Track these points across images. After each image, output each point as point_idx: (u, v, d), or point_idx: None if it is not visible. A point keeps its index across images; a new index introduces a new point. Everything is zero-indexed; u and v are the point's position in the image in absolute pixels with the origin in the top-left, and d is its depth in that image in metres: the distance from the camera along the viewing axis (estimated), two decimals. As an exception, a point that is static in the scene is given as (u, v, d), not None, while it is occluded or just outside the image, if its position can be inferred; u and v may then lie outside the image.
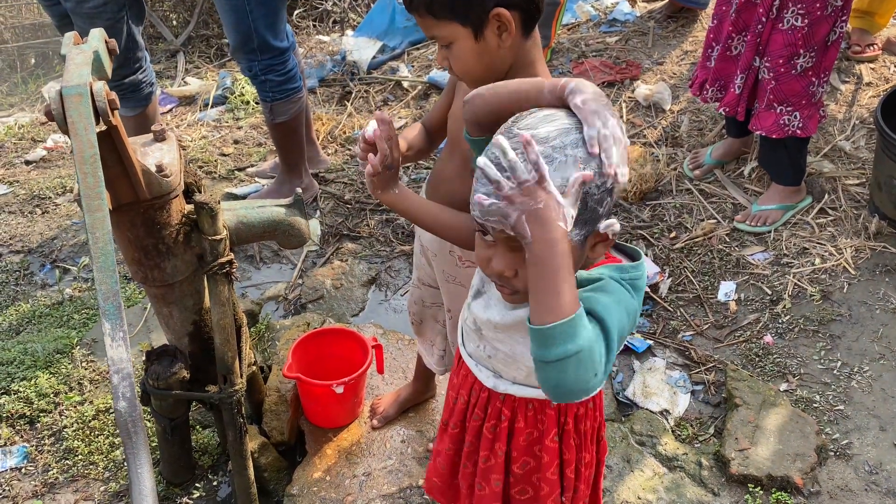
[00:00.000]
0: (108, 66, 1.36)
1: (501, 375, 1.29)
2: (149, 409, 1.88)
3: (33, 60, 5.90)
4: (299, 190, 1.70)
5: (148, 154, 1.52)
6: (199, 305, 1.73)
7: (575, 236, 1.03)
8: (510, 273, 1.10)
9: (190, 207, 1.59)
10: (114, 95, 1.27)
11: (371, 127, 1.33)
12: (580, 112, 1.03)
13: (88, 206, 1.21)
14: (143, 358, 1.81)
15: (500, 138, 1.01)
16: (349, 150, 3.39)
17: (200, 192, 1.63)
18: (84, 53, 1.30)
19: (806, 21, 2.40)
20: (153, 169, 1.45)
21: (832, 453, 2.06)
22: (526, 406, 1.30)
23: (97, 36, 1.36)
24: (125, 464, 2.09)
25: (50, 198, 3.43)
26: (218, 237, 1.58)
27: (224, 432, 2.06)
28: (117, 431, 2.16)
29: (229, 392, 1.76)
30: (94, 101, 1.24)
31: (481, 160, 1.02)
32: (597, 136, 1.01)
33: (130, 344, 2.51)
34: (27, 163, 3.78)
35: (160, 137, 1.57)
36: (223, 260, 1.61)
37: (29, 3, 5.79)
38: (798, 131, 2.57)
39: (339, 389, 2.01)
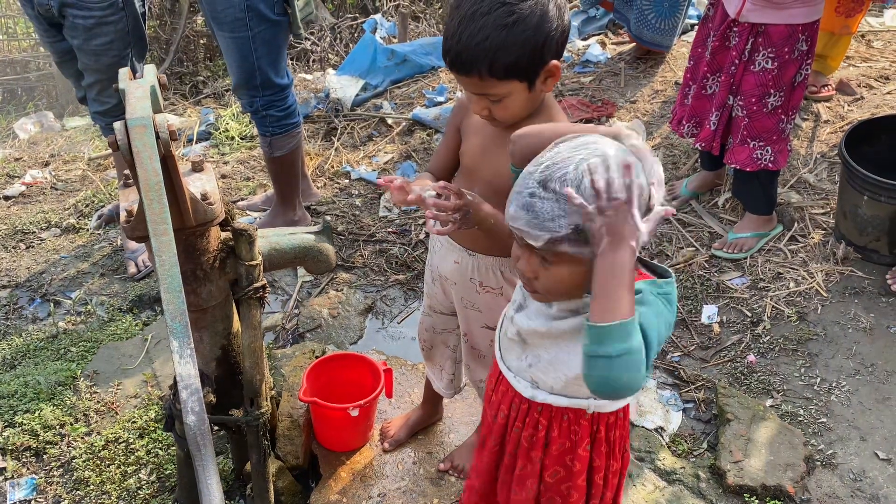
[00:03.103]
0: (161, 100, 1.44)
1: (539, 386, 1.39)
2: (171, 434, 1.91)
3: (0, 98, 5.87)
4: (328, 218, 1.78)
5: (189, 183, 1.58)
6: (229, 330, 1.78)
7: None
8: (531, 275, 1.24)
9: (226, 234, 1.66)
10: (174, 127, 1.35)
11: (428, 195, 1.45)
12: (638, 151, 1.18)
13: (154, 230, 1.28)
14: (171, 383, 1.84)
15: (595, 161, 1.13)
16: (338, 183, 3.47)
17: (234, 219, 1.70)
18: (142, 87, 1.37)
19: (775, 64, 2.60)
20: (198, 197, 1.52)
21: (819, 463, 2.20)
22: (562, 416, 1.39)
23: (151, 71, 1.44)
24: (139, 492, 2.10)
25: (34, 232, 3.42)
26: (254, 262, 1.65)
27: (240, 457, 2.10)
28: (129, 461, 2.17)
29: (256, 415, 1.80)
30: (156, 131, 1.31)
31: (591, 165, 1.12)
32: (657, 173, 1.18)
33: (131, 375, 2.54)
34: (6, 198, 3.77)
35: (198, 168, 1.64)
36: (257, 285, 1.68)
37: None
38: (770, 164, 2.76)
39: (355, 412, 2.07)
